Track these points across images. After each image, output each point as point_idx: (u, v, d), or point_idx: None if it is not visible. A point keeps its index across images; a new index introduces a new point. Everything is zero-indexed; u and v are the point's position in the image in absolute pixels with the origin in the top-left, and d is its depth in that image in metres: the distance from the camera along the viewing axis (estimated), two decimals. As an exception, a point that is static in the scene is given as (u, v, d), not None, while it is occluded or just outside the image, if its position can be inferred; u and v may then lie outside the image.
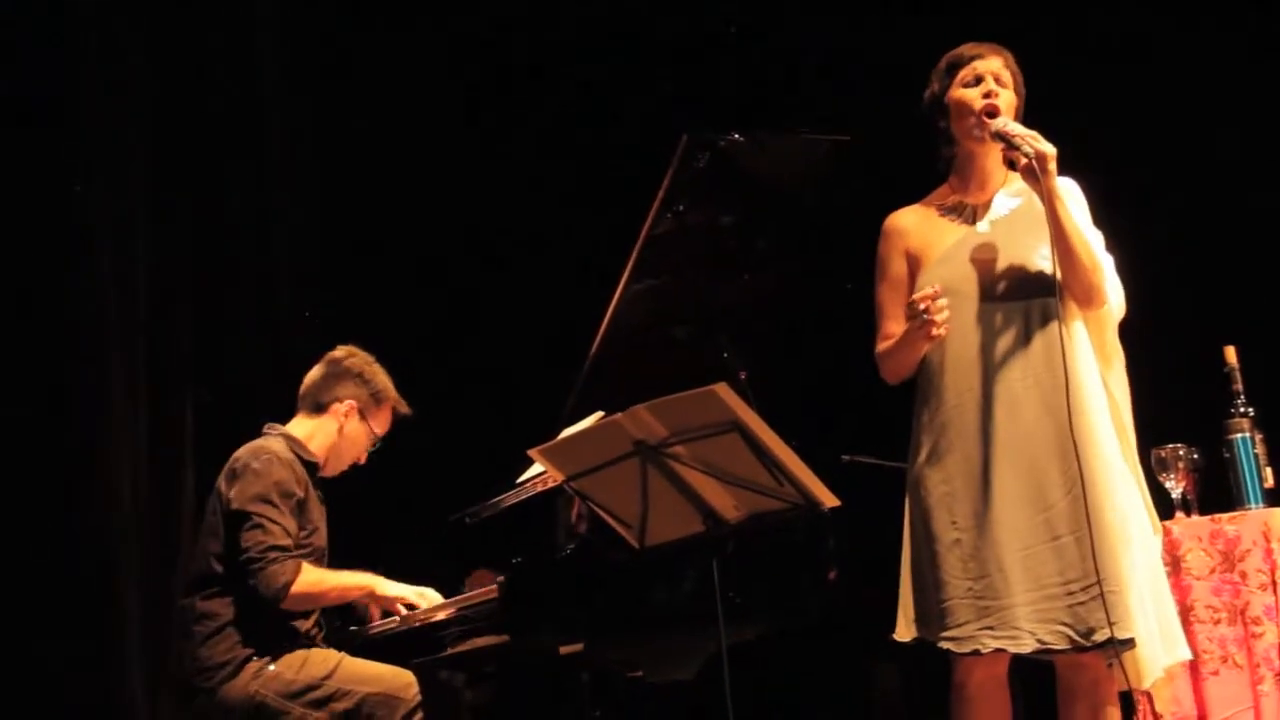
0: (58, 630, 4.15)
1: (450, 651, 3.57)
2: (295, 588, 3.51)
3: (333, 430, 3.80)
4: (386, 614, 3.78)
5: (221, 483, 3.64)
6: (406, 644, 3.66)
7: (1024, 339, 3.08)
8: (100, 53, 4.54)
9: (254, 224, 4.92)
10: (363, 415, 3.82)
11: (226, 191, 4.86)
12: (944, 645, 3.06)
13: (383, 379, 3.87)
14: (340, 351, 3.87)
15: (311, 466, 3.75)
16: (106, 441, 4.37)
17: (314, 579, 3.58)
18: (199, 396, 4.60)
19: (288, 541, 3.55)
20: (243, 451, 3.68)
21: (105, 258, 4.45)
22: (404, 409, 3.90)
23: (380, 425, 3.86)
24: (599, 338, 3.82)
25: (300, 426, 3.81)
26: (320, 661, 3.55)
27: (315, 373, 3.86)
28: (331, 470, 3.85)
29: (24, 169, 4.32)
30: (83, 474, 4.32)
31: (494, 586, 3.36)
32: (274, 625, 3.57)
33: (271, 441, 3.72)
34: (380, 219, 5.13)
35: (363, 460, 3.88)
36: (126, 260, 4.49)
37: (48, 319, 4.33)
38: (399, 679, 3.54)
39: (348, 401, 3.81)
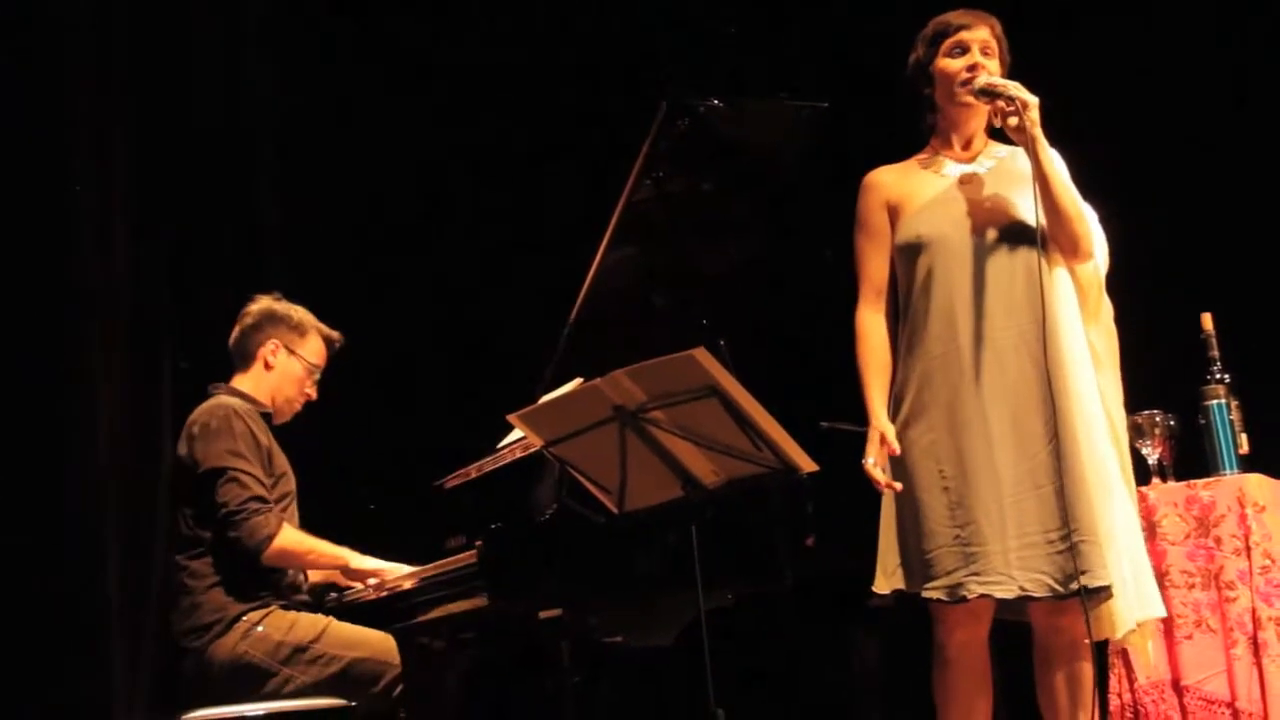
0: (37, 597, 4.13)
1: (429, 617, 3.56)
2: (277, 542, 3.55)
3: (266, 374, 3.85)
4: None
5: (182, 446, 3.68)
6: (386, 610, 3.66)
7: (1009, 287, 3.11)
8: (85, 31, 4.50)
9: (239, 190, 4.89)
10: (290, 350, 3.86)
11: (211, 158, 4.82)
12: (930, 595, 3.08)
13: (297, 312, 3.91)
14: (250, 306, 3.91)
15: (266, 416, 3.79)
16: (85, 408, 4.34)
17: (296, 538, 3.63)
18: (177, 364, 4.58)
19: (264, 492, 3.60)
20: (198, 413, 3.71)
21: (86, 226, 4.41)
22: (332, 334, 3.93)
23: (312, 355, 3.89)
24: (578, 304, 3.82)
25: (240, 383, 3.85)
26: (309, 625, 3.58)
27: (234, 332, 3.91)
28: (282, 414, 3.88)
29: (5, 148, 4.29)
30: (60, 441, 4.29)
31: (473, 552, 3.36)
32: (260, 584, 3.61)
33: (226, 398, 3.75)
34: (363, 190, 5.11)
35: (312, 395, 3.91)
36: (107, 227, 4.45)
37: (26, 288, 4.29)
38: (386, 644, 3.57)
39: (271, 342, 3.85)
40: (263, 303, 3.91)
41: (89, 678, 4.20)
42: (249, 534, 3.54)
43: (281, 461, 3.77)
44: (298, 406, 3.91)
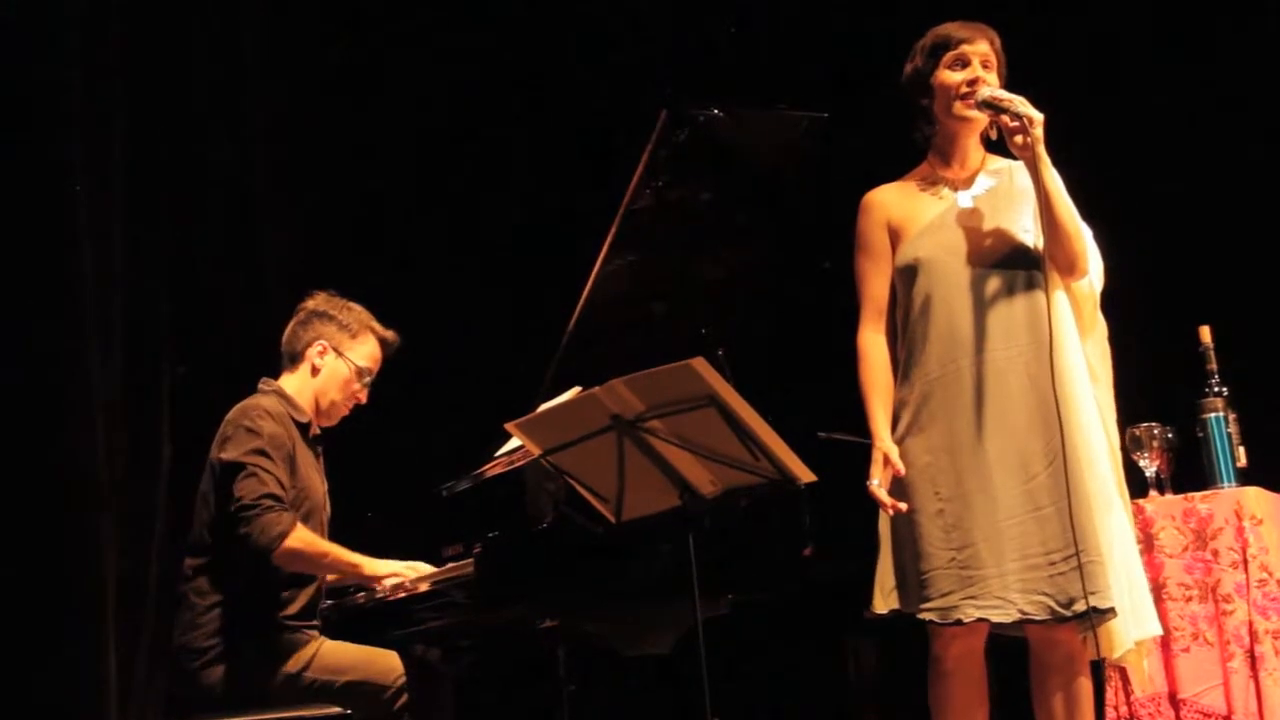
0: (32, 599, 4.13)
1: (425, 626, 3.56)
2: (289, 541, 3.40)
3: (312, 377, 3.71)
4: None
5: (214, 448, 3.56)
6: (382, 619, 3.66)
7: (1007, 309, 3.10)
8: (82, 22, 4.50)
9: (235, 194, 4.89)
10: (338, 351, 3.71)
11: (206, 163, 4.82)
12: (925, 616, 3.08)
13: (352, 313, 3.76)
14: (308, 300, 3.79)
15: (303, 427, 3.67)
16: (84, 415, 4.34)
17: (310, 538, 3.48)
18: (175, 373, 4.58)
19: (281, 492, 3.46)
20: (234, 412, 3.59)
21: (84, 228, 4.41)
22: (388, 335, 3.80)
23: (363, 358, 3.74)
24: (577, 313, 3.82)
25: (287, 382, 3.72)
26: (298, 652, 3.48)
27: (288, 327, 3.78)
28: (326, 417, 3.75)
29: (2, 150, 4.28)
30: (59, 448, 4.29)
31: (470, 560, 3.36)
32: (259, 610, 3.49)
33: (263, 399, 3.63)
34: (362, 194, 5.11)
35: (362, 399, 3.77)
36: (105, 228, 4.45)
37: (24, 290, 4.29)
38: (379, 663, 3.48)
39: (319, 343, 3.71)
40: (318, 299, 3.77)
41: (84, 681, 4.20)
42: (260, 530, 3.38)
43: (307, 474, 3.64)
44: (345, 411, 3.77)
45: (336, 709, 3.39)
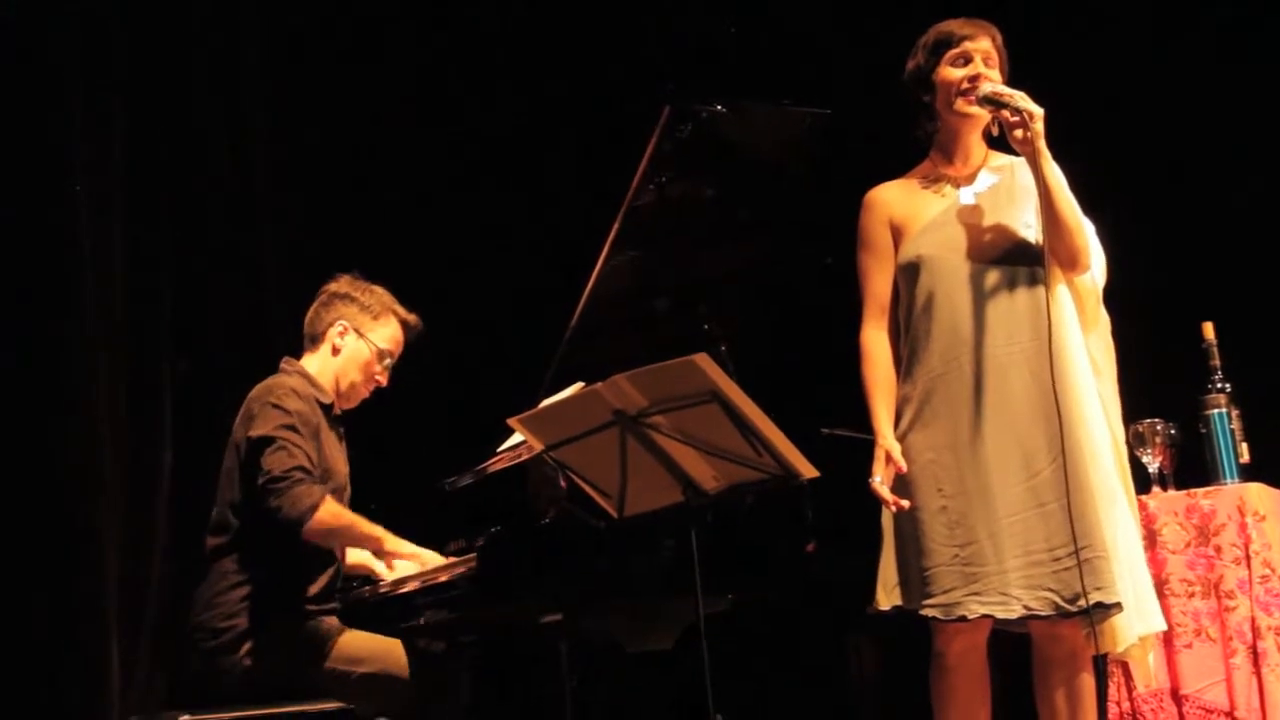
0: (34, 597, 4.13)
1: (429, 620, 3.55)
2: (320, 514, 3.36)
3: (333, 357, 3.70)
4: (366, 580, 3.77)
5: (238, 426, 3.54)
6: (386, 612, 3.65)
7: (1009, 306, 3.11)
8: (82, 23, 4.49)
9: (235, 194, 4.88)
10: (359, 332, 3.70)
11: (206, 163, 4.82)
12: (928, 613, 3.07)
13: (374, 295, 3.75)
14: (330, 283, 3.78)
15: (326, 407, 3.64)
16: (84, 415, 4.34)
17: (337, 510, 3.45)
18: (177, 368, 4.57)
19: (310, 466, 3.44)
20: (258, 390, 3.57)
21: (84, 225, 4.40)
22: (410, 318, 3.78)
23: (384, 340, 3.73)
24: (580, 308, 3.82)
25: (309, 363, 3.71)
26: (315, 641, 3.46)
27: (310, 309, 3.77)
28: (346, 399, 3.73)
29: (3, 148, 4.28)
30: (60, 447, 4.28)
31: (473, 555, 3.35)
32: (280, 591, 3.47)
33: (287, 378, 3.61)
34: (363, 191, 5.10)
35: (382, 381, 3.75)
36: (105, 225, 4.45)
37: (25, 287, 4.29)
38: (396, 654, 3.46)
39: (340, 323, 3.70)
40: (340, 282, 3.76)
41: (84, 680, 4.19)
42: (291, 503, 3.34)
43: (331, 456, 3.62)
44: (365, 393, 3.74)
45: (338, 704, 3.38)
